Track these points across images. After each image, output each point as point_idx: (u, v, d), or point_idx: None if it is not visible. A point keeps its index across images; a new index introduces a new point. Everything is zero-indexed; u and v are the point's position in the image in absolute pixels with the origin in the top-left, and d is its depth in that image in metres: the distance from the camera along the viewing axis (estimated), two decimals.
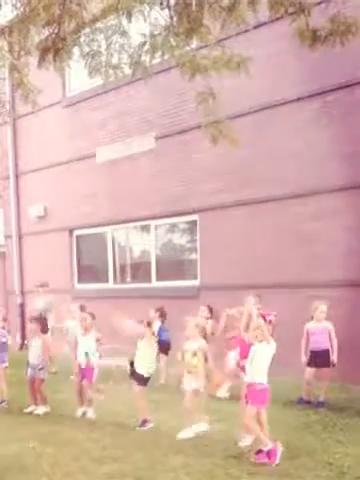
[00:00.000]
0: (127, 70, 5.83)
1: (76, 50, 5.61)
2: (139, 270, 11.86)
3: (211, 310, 8.16)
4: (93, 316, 7.21)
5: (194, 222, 10.37)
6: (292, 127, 8.74)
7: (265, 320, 5.27)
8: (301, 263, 8.57)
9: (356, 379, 7.57)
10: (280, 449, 5.05)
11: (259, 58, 7.03)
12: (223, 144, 6.34)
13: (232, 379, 7.13)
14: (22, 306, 13.46)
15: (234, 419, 5.93)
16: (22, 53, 6.02)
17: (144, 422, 6.33)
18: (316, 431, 6.03)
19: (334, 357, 7.11)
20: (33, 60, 5.85)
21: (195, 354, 5.94)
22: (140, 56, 5.50)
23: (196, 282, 10.28)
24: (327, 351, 7.15)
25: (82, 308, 8.73)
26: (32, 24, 5.37)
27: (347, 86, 8.15)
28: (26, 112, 10.13)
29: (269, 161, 8.97)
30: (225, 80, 6.02)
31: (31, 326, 7.58)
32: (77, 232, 12.67)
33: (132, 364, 6.38)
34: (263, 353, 5.19)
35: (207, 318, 7.94)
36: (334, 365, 7.13)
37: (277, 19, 5.60)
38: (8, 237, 14.03)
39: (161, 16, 5.30)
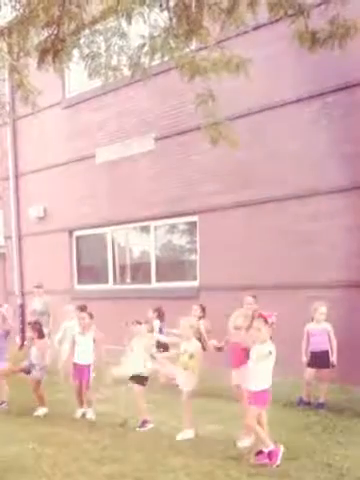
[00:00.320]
0: (126, 72, 5.84)
1: (76, 52, 5.62)
2: (139, 271, 11.87)
3: (203, 309, 8.22)
4: (91, 316, 7.23)
5: (194, 223, 10.38)
6: (292, 128, 8.74)
7: (266, 322, 5.21)
8: (301, 264, 8.57)
9: (356, 380, 7.57)
10: (281, 450, 5.05)
11: (258, 59, 7.04)
12: (223, 145, 6.35)
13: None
14: (22, 307, 13.47)
15: (234, 420, 5.94)
16: (21, 54, 6.02)
17: (144, 423, 6.34)
18: (316, 432, 6.04)
19: (334, 358, 7.12)
20: (33, 61, 5.86)
21: (192, 356, 5.92)
22: (139, 58, 5.50)
23: (196, 283, 10.29)
24: (327, 352, 7.16)
25: (82, 308, 8.73)
26: (31, 25, 5.36)
27: (347, 87, 8.15)
28: (26, 113, 10.12)
29: (269, 162, 8.97)
30: (224, 81, 6.02)
31: (29, 333, 7.60)
32: (77, 233, 12.67)
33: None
34: (262, 356, 5.16)
35: (200, 317, 7.95)
36: (334, 366, 7.13)
37: (276, 20, 5.58)
38: (8, 238, 14.03)
39: (160, 18, 5.31)
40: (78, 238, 12.72)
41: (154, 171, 10.72)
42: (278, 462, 4.96)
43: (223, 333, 6.38)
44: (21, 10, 5.42)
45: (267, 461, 5.00)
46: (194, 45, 5.97)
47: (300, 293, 8.41)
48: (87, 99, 11.83)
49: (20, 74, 6.68)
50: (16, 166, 13.70)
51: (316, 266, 8.41)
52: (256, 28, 6.94)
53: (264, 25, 7.42)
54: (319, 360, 7.14)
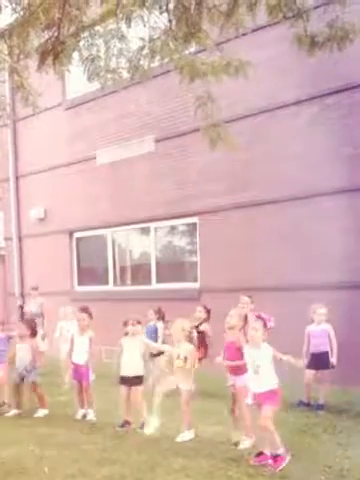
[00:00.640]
0: (125, 74, 5.85)
1: (76, 54, 5.63)
2: (139, 272, 11.87)
3: (208, 311, 7.97)
4: (90, 316, 7.23)
5: (194, 224, 10.39)
6: (291, 130, 8.76)
7: (266, 325, 5.21)
8: (301, 265, 8.58)
9: (356, 382, 7.57)
10: (288, 459, 4.98)
11: (258, 61, 7.06)
12: (223, 147, 6.36)
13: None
14: (22, 308, 13.46)
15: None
16: (22, 56, 6.05)
17: (144, 424, 6.33)
18: (316, 433, 6.03)
19: (334, 359, 7.12)
20: (33, 63, 5.88)
21: (186, 360, 5.92)
22: (139, 60, 5.52)
23: (196, 284, 10.30)
24: (327, 353, 7.14)
25: (83, 309, 8.72)
26: (32, 27, 5.38)
27: (346, 89, 8.18)
28: (26, 115, 10.17)
29: (268, 164, 8.99)
30: (224, 83, 6.04)
31: (21, 329, 7.51)
32: (77, 234, 12.69)
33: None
34: (261, 356, 5.17)
35: (204, 319, 7.91)
36: (333, 367, 7.13)
37: (276, 22, 5.61)
38: (8, 239, 14.05)
39: (160, 20, 5.32)
40: (78, 239, 12.74)
41: (154, 173, 10.74)
42: (280, 468, 4.89)
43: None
44: (21, 12, 5.44)
45: (269, 462, 4.96)
46: (193, 48, 5.99)
47: (300, 294, 8.41)
48: (87, 101, 11.86)
49: (20, 76, 6.71)
50: (16, 167, 13.72)
51: (316, 267, 8.42)
52: (256, 30, 6.96)
53: (264, 27, 7.46)
54: (319, 361, 7.13)
